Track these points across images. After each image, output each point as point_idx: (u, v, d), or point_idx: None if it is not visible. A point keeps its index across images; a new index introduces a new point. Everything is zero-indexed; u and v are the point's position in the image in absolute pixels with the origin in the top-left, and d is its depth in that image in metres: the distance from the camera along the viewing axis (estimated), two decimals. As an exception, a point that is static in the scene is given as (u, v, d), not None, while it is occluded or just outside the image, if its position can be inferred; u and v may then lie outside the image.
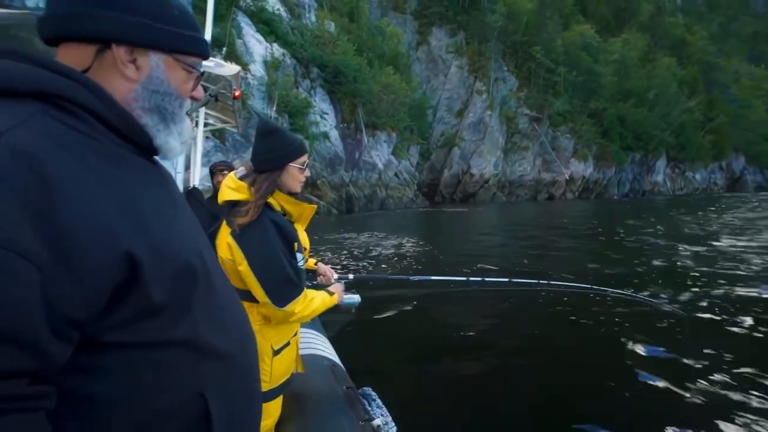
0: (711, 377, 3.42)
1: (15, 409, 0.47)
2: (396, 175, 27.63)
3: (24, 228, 0.47)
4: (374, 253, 9.45)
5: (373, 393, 1.98)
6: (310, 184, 21.53)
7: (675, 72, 45.97)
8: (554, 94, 38.56)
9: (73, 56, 0.61)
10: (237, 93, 3.61)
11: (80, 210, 0.51)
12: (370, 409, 1.82)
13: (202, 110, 4.09)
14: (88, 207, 0.52)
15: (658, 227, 13.86)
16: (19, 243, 0.46)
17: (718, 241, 10.68)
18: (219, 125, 5.13)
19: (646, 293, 5.36)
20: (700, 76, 50.80)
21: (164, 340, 0.61)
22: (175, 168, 3.73)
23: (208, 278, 0.68)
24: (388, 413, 1.83)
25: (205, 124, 4.55)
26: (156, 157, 0.71)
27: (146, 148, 0.67)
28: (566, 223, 16.60)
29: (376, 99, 26.49)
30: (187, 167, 4.28)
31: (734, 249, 9.34)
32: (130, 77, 0.64)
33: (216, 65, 3.38)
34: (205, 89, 3.47)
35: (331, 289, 1.68)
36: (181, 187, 3.57)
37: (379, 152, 26.85)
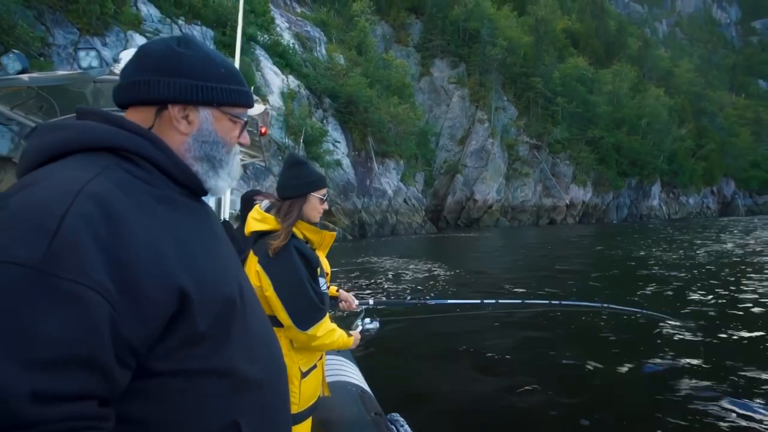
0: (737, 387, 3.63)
1: (88, 427, 0.53)
2: (405, 201, 28.14)
3: (97, 265, 0.54)
4: (403, 278, 9.72)
5: (401, 419, 1.99)
6: (325, 211, 21.87)
7: (664, 102, 47.96)
8: (553, 122, 39.95)
9: (139, 117, 0.72)
10: (263, 130, 3.80)
11: (142, 250, 0.58)
12: None
13: None
14: (148, 248, 0.59)
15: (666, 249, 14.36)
16: (92, 278, 0.53)
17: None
18: (247, 160, 5.37)
19: (655, 311, 5.41)
20: (689, 106, 53.00)
21: (203, 368, 0.66)
22: (207, 201, 3.99)
23: (244, 310, 0.74)
24: None
25: None
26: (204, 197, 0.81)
27: (196, 191, 0.76)
28: (572, 245, 17.04)
29: (385, 128, 27.31)
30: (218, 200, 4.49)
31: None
32: (183, 131, 0.73)
33: None
34: None
35: (351, 331, 1.76)
36: None
37: (389, 179, 27.45)
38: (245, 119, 0.80)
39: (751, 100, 76.24)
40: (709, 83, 68.42)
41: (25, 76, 2.63)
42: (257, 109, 3.81)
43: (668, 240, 18.60)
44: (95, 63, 2.71)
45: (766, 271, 9.35)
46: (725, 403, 3.38)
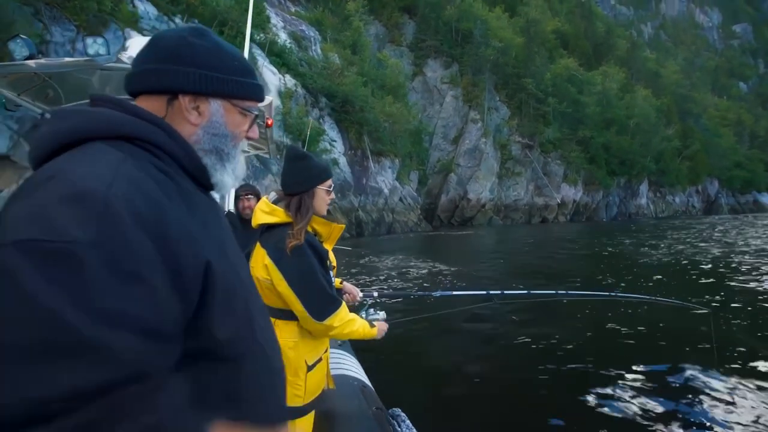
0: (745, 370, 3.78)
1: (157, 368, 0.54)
2: (401, 199, 28.31)
3: (148, 245, 0.55)
4: (407, 275, 9.91)
5: (403, 414, 2.01)
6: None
7: (651, 102, 48.97)
8: (544, 123, 40.52)
9: (150, 105, 0.71)
10: (269, 121, 3.87)
11: (179, 228, 0.60)
12: (399, 430, 1.86)
13: None
14: (182, 225, 0.61)
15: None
16: (146, 258, 0.54)
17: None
18: (252, 152, 5.37)
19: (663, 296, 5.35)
20: (674, 107, 54.18)
21: (208, 347, 0.66)
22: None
23: (246, 300, 0.75)
24: None
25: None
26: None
27: (204, 184, 0.76)
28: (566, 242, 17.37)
29: (380, 127, 27.43)
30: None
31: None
32: (193, 122, 0.73)
33: None
34: None
35: (375, 322, 1.76)
36: None
37: (384, 178, 27.56)
38: (255, 113, 0.80)
39: (733, 102, 78.22)
40: (693, 85, 69.96)
41: (32, 63, 2.62)
42: (265, 100, 3.88)
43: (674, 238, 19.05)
44: (102, 50, 2.68)
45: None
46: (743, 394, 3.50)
